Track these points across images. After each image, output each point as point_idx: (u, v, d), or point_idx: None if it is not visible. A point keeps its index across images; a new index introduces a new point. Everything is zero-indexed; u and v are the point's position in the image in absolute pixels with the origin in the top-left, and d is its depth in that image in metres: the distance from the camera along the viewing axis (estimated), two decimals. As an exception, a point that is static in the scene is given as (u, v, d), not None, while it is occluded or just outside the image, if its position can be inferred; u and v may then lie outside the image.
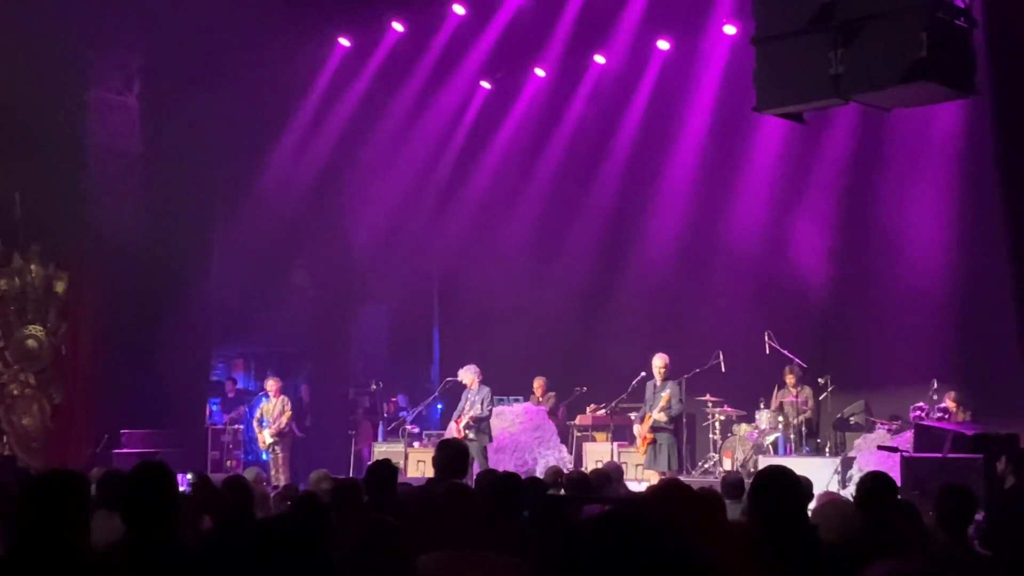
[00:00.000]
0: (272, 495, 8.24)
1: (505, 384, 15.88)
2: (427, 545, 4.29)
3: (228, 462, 15.71)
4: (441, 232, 17.98)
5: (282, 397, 14.89)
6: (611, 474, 8.31)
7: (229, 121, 15.76)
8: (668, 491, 3.42)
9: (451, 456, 6.48)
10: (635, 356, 13.23)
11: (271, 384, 15.00)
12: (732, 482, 8.05)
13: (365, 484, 6.65)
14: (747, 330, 14.78)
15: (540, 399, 15.71)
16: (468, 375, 13.68)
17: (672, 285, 16.01)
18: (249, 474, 9.47)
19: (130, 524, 4.12)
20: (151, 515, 4.05)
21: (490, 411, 13.66)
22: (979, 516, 5.73)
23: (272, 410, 14.80)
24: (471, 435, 13.23)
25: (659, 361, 12.65)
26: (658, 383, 12.61)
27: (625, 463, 12.86)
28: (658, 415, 12.46)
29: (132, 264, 14.44)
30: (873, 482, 5.07)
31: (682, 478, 11.84)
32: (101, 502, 6.34)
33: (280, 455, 14.60)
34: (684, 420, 14.72)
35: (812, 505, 5.75)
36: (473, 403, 13.43)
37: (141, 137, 14.30)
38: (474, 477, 8.18)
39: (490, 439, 13.52)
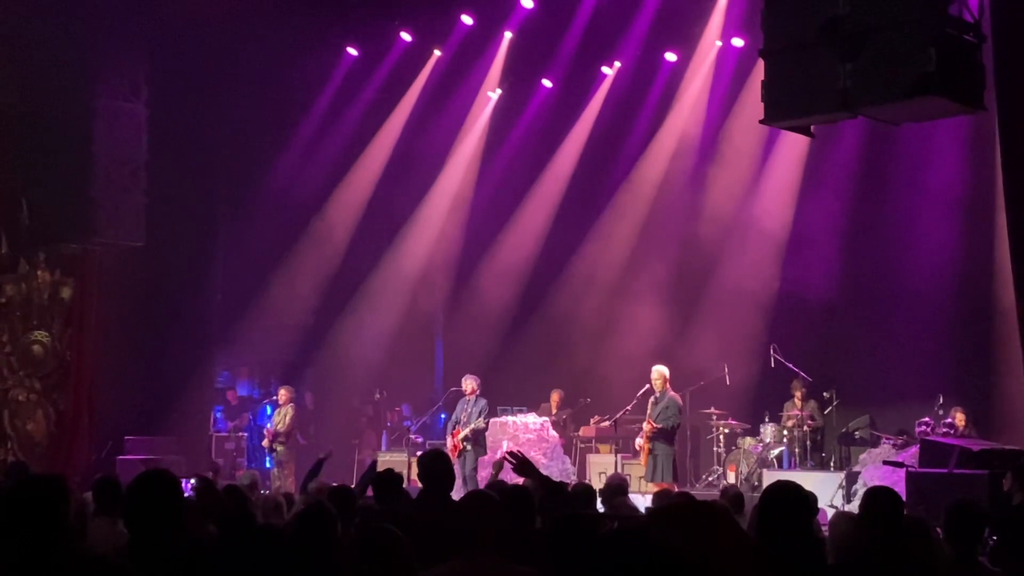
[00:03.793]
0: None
1: (509, 395, 15.88)
2: (444, 553, 4.27)
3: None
4: (447, 240, 17.99)
5: (289, 406, 14.86)
6: (620, 486, 8.29)
7: (236, 129, 15.79)
8: (677, 506, 3.41)
9: (432, 466, 6.41)
10: (640, 368, 13.21)
11: (282, 393, 14.99)
12: (732, 495, 8.03)
13: (373, 493, 6.66)
14: (752, 343, 14.77)
15: (555, 411, 15.68)
16: (469, 383, 13.68)
17: (678, 297, 15.99)
18: (245, 479, 9.44)
19: (134, 531, 4.10)
20: (155, 523, 4.04)
21: (487, 424, 13.65)
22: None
23: (279, 418, 14.81)
24: (468, 447, 13.22)
25: (655, 373, 12.61)
26: (657, 394, 12.58)
27: (629, 475, 12.82)
28: (645, 426, 12.43)
29: (137, 271, 14.46)
30: (877, 497, 5.02)
31: (686, 491, 11.81)
32: (99, 508, 6.33)
33: (286, 463, 14.59)
34: (688, 433, 14.71)
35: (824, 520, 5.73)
36: (470, 414, 13.41)
37: (148, 144, 14.30)
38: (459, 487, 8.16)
39: (484, 451, 13.50)
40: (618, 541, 2.68)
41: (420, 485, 6.51)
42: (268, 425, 15.10)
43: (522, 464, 6.12)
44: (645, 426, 12.42)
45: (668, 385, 12.56)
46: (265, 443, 14.88)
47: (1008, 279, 10.81)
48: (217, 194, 16.04)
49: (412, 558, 4.12)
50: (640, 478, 12.76)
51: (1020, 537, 5.19)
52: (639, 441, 12.73)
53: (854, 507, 10.73)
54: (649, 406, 12.49)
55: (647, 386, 12.86)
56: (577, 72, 16.28)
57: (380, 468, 8.09)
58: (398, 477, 6.82)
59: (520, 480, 8.72)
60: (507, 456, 6.34)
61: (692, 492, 11.84)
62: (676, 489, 11.47)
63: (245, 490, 7.15)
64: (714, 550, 3.10)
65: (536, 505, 5.67)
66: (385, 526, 4.24)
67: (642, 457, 12.55)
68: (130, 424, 14.62)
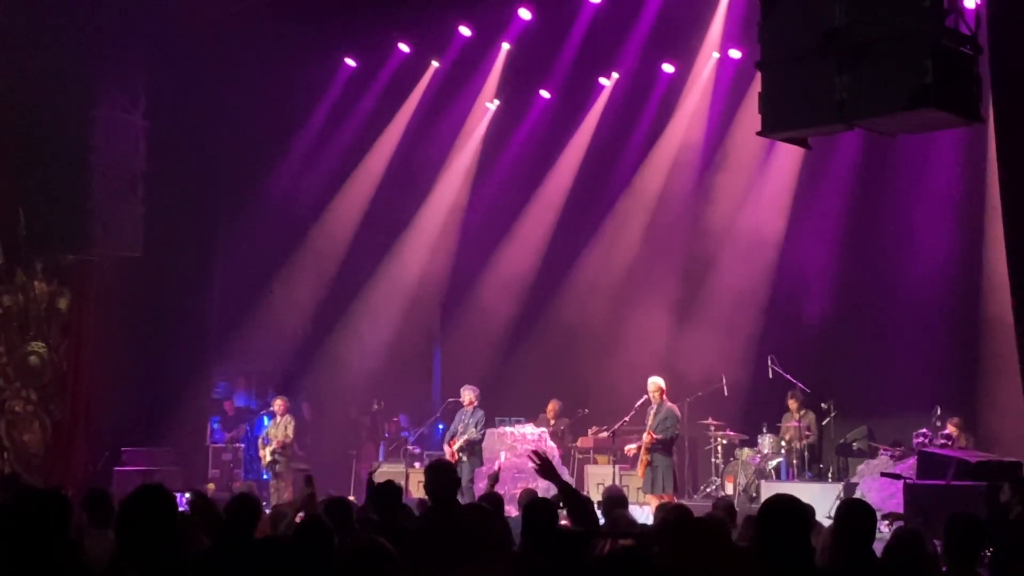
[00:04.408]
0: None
1: (507, 405, 15.86)
2: (443, 566, 4.26)
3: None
4: (445, 251, 17.99)
5: (287, 416, 14.86)
6: (620, 498, 8.27)
7: (233, 140, 15.79)
8: (675, 521, 3.41)
9: (440, 477, 6.42)
10: (640, 378, 13.20)
11: (278, 403, 14.98)
12: (724, 506, 8.04)
13: (372, 505, 6.65)
14: (750, 354, 14.77)
15: (552, 421, 15.65)
16: (467, 394, 13.67)
17: (676, 308, 15.99)
18: (242, 488, 9.41)
19: (125, 545, 4.08)
20: (148, 538, 4.02)
21: (483, 434, 13.62)
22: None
23: (277, 430, 14.78)
24: (464, 457, 13.19)
25: (651, 385, 12.62)
26: (654, 406, 12.58)
27: (626, 486, 12.82)
28: (646, 437, 12.42)
29: (135, 282, 14.44)
30: (849, 511, 4.99)
31: (683, 502, 11.79)
32: (91, 520, 6.29)
33: (284, 474, 14.55)
34: (686, 444, 14.70)
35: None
36: (467, 425, 13.39)
37: (146, 155, 14.32)
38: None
39: (481, 463, 13.47)
40: (618, 560, 2.67)
41: (426, 496, 6.50)
42: (263, 434, 15.07)
43: (545, 466, 6.02)
44: (645, 437, 12.41)
45: (664, 396, 12.57)
46: (262, 454, 14.82)
47: (1004, 289, 10.81)
48: (215, 205, 16.03)
49: (402, 571, 4.09)
50: (638, 489, 12.75)
51: (1018, 550, 5.18)
52: (631, 447, 12.73)
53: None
54: (649, 416, 12.49)
55: (645, 397, 12.88)
56: (575, 83, 16.31)
57: (379, 479, 8.07)
58: (397, 489, 6.81)
59: (518, 491, 8.68)
60: (531, 456, 6.27)
61: (690, 503, 11.81)
62: (675, 500, 11.45)
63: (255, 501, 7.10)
64: (712, 565, 3.10)
65: (555, 517, 5.63)
66: (374, 539, 4.21)
67: (639, 468, 12.53)
68: (127, 435, 14.59)
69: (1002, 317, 11.63)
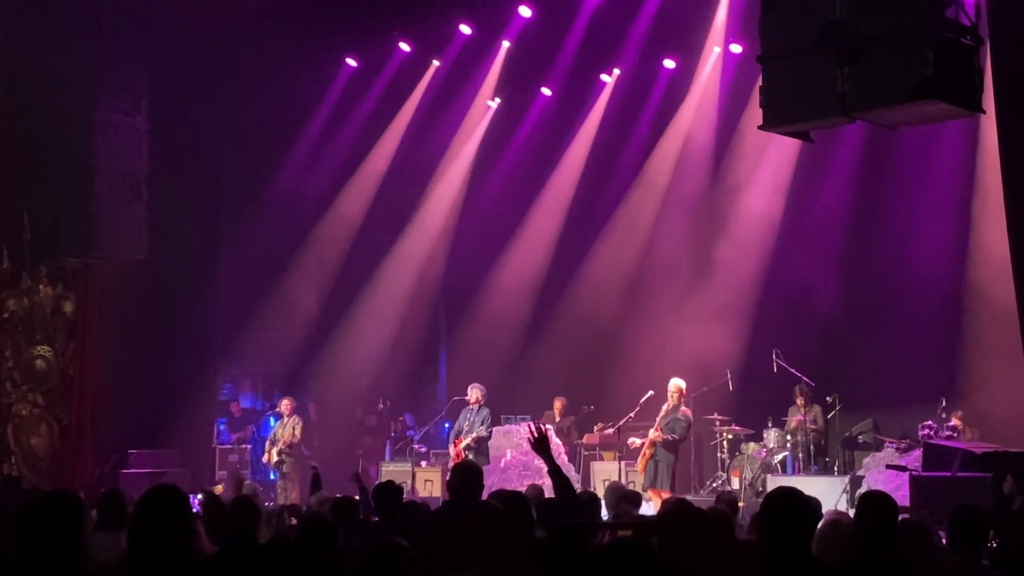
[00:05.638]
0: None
1: (513, 403, 15.86)
2: (450, 565, 4.26)
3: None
4: (449, 249, 18.00)
5: (295, 417, 14.87)
6: (630, 496, 8.25)
7: (236, 142, 15.82)
8: (675, 512, 3.42)
9: (466, 478, 6.39)
10: (643, 375, 13.20)
11: (285, 404, 14.98)
12: (726, 500, 8.06)
13: (373, 504, 6.65)
14: (755, 349, 14.76)
15: (557, 418, 15.65)
16: (474, 392, 13.66)
17: (680, 304, 15.98)
18: (247, 489, 9.43)
19: (137, 545, 4.09)
20: (162, 538, 4.03)
21: (490, 433, 13.62)
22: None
23: (284, 430, 14.79)
24: (471, 456, 13.19)
25: (672, 386, 12.62)
26: (670, 406, 12.57)
27: (632, 483, 12.81)
28: (654, 433, 12.40)
29: (139, 284, 14.48)
30: (872, 502, 5.01)
31: (688, 498, 11.79)
32: (102, 523, 6.32)
33: (291, 474, 14.57)
34: (691, 439, 14.70)
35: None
36: (473, 423, 13.39)
37: (149, 157, 14.35)
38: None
39: (487, 461, 13.47)
40: (617, 551, 2.69)
41: (448, 493, 6.48)
42: (270, 436, 15.10)
43: (540, 442, 5.76)
44: (652, 432, 12.41)
45: (683, 399, 12.57)
46: (268, 457, 14.83)
47: (1009, 280, 10.79)
48: (218, 206, 16.07)
49: (420, 571, 4.09)
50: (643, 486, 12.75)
51: (1021, 541, 5.18)
52: (635, 440, 12.71)
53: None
54: (663, 411, 12.48)
55: (650, 393, 12.87)
56: (576, 80, 16.31)
57: (384, 478, 8.09)
58: (397, 488, 6.81)
59: (523, 488, 8.68)
60: (530, 427, 6.08)
61: (695, 499, 11.79)
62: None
63: (254, 500, 7.15)
64: (714, 557, 3.11)
65: (534, 514, 5.61)
66: (393, 539, 4.21)
67: (640, 463, 12.52)
68: (134, 437, 14.63)
69: (1007, 308, 11.61)
